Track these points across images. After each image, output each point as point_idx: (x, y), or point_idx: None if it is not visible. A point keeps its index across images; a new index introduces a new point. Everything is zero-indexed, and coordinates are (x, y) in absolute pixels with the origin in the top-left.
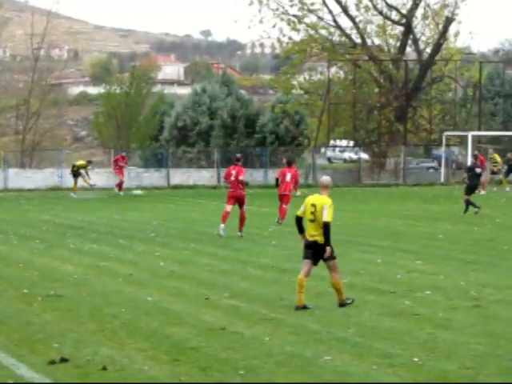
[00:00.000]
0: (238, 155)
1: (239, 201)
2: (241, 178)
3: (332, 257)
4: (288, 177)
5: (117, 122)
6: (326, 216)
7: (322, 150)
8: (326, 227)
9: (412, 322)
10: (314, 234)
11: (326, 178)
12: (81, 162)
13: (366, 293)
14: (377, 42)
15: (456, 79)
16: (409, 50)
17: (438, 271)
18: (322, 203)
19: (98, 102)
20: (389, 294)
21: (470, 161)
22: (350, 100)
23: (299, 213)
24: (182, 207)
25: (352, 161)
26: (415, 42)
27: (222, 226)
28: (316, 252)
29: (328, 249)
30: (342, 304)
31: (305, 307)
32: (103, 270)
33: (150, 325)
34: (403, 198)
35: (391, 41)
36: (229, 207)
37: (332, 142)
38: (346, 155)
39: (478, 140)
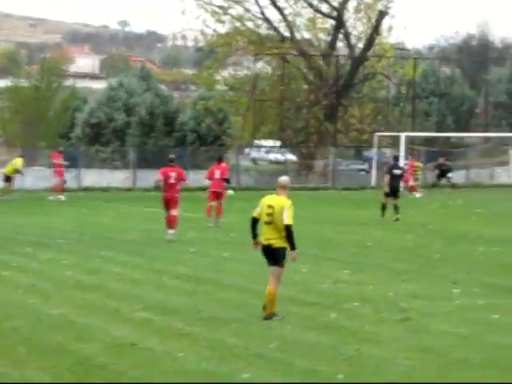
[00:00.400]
0: (172, 156)
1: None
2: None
3: (281, 264)
4: (217, 174)
5: (24, 119)
6: (287, 218)
7: (247, 150)
8: (288, 230)
9: (338, 335)
10: (269, 237)
11: (284, 178)
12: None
13: (290, 304)
14: (306, 35)
15: (389, 76)
16: (340, 44)
17: (366, 281)
18: (280, 204)
19: (3, 95)
20: (314, 306)
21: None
22: (277, 97)
23: (255, 214)
24: (94, 211)
25: (278, 162)
26: (347, 36)
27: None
28: (270, 256)
29: (294, 253)
30: (269, 317)
31: (274, 315)
32: (4, 280)
33: (53, 340)
34: (332, 203)
35: (322, 35)
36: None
37: (257, 141)
38: (272, 156)
39: (411, 141)
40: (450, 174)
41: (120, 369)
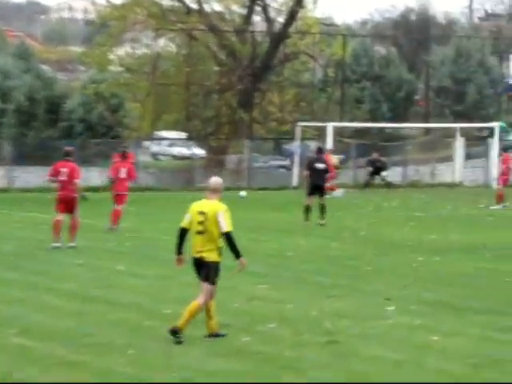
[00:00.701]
0: (69, 148)
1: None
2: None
3: (213, 281)
4: (123, 172)
5: None
6: (225, 225)
7: (146, 143)
8: (228, 239)
9: (251, 362)
10: (201, 249)
11: (215, 180)
12: None
13: (194, 327)
14: (217, 8)
15: (314, 57)
16: (257, 19)
17: (285, 298)
18: (214, 210)
19: None
20: (224, 328)
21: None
22: (182, 81)
23: (184, 224)
24: None
25: (183, 157)
26: (265, 9)
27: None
28: (201, 271)
29: (243, 260)
30: (175, 331)
31: (217, 335)
32: None
33: None
34: (246, 205)
35: (235, 7)
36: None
37: (158, 133)
38: (176, 151)
39: (339, 133)
40: (384, 172)
41: None
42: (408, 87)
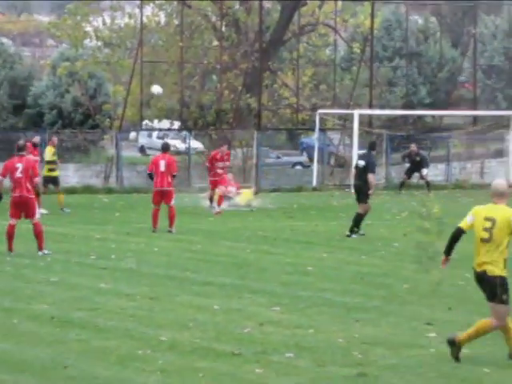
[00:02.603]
0: (21, 142)
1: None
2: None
3: (502, 300)
4: (162, 166)
5: None
6: None
7: (132, 134)
8: None
9: None
10: (484, 260)
11: (501, 183)
12: None
13: (197, 356)
14: None
15: (336, 29)
16: None
17: (305, 323)
18: (505, 217)
19: None
20: (231, 358)
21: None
22: (174, 58)
23: (464, 225)
24: None
25: (177, 152)
26: None
27: None
28: (485, 288)
29: None
30: (453, 342)
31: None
32: None
33: None
34: (255, 211)
35: None
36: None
37: (147, 122)
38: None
39: (368, 122)
40: (425, 169)
41: None
42: (451, 66)
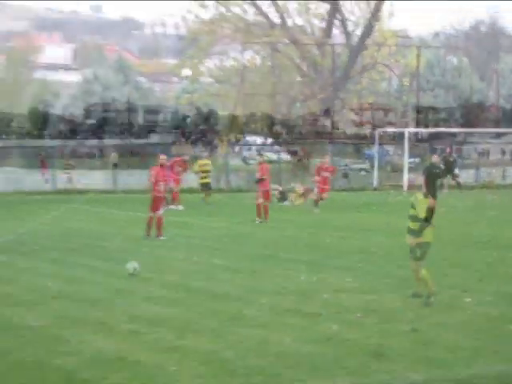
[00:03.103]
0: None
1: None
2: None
3: None
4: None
5: None
6: None
7: (237, 148)
8: None
9: (341, 349)
10: None
11: None
12: None
13: (288, 315)
14: (299, 22)
15: (390, 67)
16: (336, 32)
17: (370, 290)
18: None
19: None
20: (314, 317)
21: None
22: (268, 91)
23: None
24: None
25: (271, 161)
26: (343, 22)
27: None
28: None
29: None
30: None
31: None
32: None
33: (35, 354)
34: (331, 207)
35: (316, 21)
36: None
37: (248, 139)
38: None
39: (415, 137)
40: (456, 170)
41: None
42: (479, 95)
